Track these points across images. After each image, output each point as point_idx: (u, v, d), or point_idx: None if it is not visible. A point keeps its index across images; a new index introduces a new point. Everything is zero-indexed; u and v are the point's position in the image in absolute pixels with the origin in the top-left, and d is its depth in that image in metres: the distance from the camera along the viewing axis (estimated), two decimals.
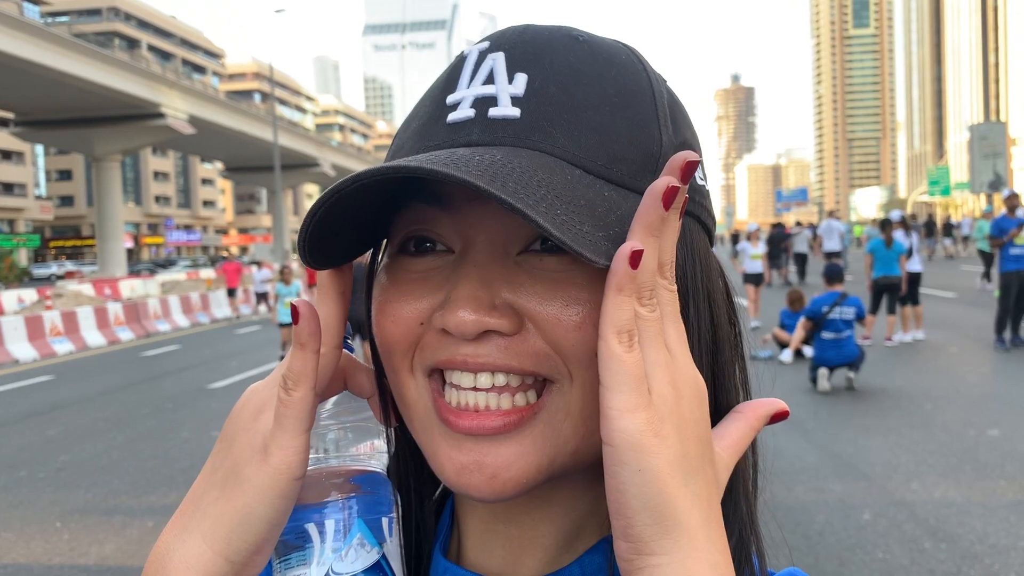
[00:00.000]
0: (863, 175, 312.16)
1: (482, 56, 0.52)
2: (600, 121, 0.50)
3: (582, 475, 0.54)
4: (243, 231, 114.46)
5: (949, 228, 29.88)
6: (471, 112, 0.51)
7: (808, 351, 9.36)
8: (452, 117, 0.51)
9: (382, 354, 0.55)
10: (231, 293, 22.88)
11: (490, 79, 0.51)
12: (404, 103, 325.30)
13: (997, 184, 51.27)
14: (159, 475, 6.81)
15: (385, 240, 0.57)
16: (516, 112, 0.50)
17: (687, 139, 0.54)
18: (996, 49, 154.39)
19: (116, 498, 6.22)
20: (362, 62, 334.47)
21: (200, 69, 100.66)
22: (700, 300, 0.53)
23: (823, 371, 8.58)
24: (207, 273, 26.03)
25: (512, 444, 0.50)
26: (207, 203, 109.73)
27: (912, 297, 11.74)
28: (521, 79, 0.50)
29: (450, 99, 0.52)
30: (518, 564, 0.57)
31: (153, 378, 12.59)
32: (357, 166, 79.67)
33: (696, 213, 0.55)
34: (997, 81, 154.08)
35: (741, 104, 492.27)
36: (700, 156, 0.53)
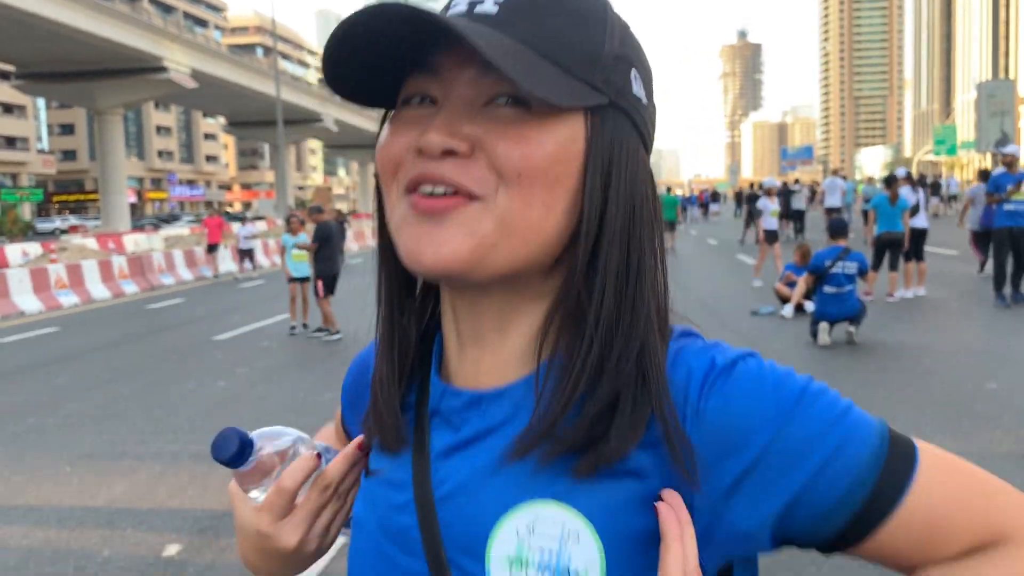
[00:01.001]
0: (869, 134, 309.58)
1: None
2: (557, 24, 0.65)
3: (528, 307, 0.70)
4: (246, 186, 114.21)
5: (937, 187, 29.79)
6: (464, 8, 0.67)
7: (809, 306, 9.41)
8: (451, 12, 0.67)
9: (381, 179, 0.70)
10: (212, 249, 21.65)
11: None
12: None
13: (1004, 142, 50.77)
14: (166, 423, 6.90)
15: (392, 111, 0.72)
16: (495, 9, 0.65)
17: (628, 54, 0.68)
18: (1007, 6, 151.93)
19: (124, 444, 6.32)
20: None
21: (202, 22, 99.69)
22: (622, 184, 0.66)
23: (824, 325, 8.63)
24: (224, 230, 26.03)
25: (450, 224, 0.63)
26: (210, 158, 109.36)
27: (916, 253, 11.74)
28: None
29: (452, 3, 0.69)
30: (480, 374, 0.72)
31: (158, 330, 12.69)
32: (360, 121, 79.19)
33: (627, 111, 0.68)
34: (1007, 38, 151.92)
35: (747, 61, 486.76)
36: (638, 63, 0.69)
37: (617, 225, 0.66)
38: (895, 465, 0.64)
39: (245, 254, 21.55)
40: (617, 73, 0.67)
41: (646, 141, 0.70)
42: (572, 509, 0.64)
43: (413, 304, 0.76)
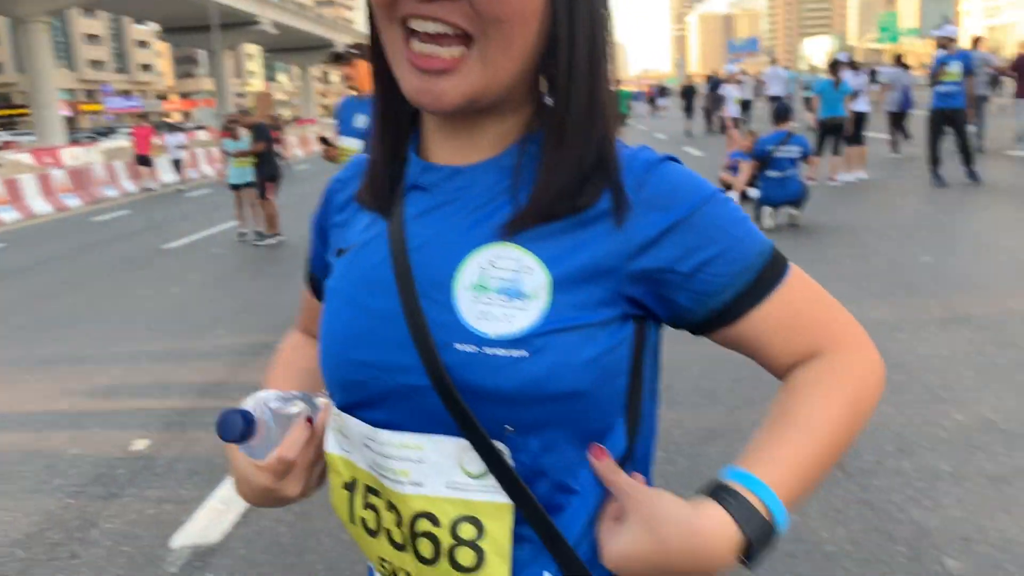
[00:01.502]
0: (814, 23, 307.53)
1: None
2: None
3: (503, 107, 0.82)
4: (184, 96, 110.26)
5: (874, 74, 29.96)
6: None
7: (753, 193, 9.60)
8: None
9: (376, 13, 0.79)
10: (143, 161, 20.51)
11: None
12: None
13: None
14: (122, 330, 6.92)
15: None
16: None
17: None
18: None
19: (82, 350, 6.35)
20: None
21: None
22: (582, 4, 0.78)
23: (767, 209, 8.84)
24: (152, 140, 25.08)
25: (447, 79, 0.76)
26: (144, 67, 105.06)
27: (856, 137, 11.96)
28: None
29: None
30: (455, 156, 0.85)
31: (105, 241, 12.50)
32: (301, 23, 76.32)
33: None
34: None
35: None
36: None
37: (583, 40, 0.78)
38: (773, 268, 0.81)
39: (176, 164, 21.07)
40: None
41: None
42: (527, 250, 0.78)
43: (399, 103, 0.86)
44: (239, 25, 65.90)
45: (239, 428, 0.83)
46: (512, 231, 0.79)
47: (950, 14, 54.82)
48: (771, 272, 0.81)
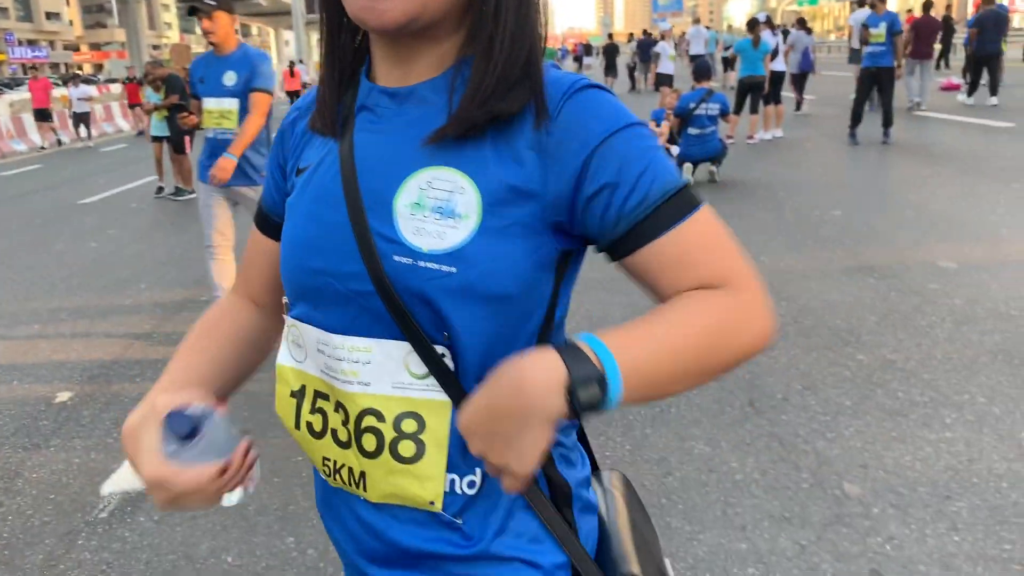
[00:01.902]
0: None
1: None
2: None
3: (440, 31, 0.87)
4: (95, 47, 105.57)
5: (787, 34, 30.79)
6: None
7: (674, 150, 9.80)
8: None
9: None
10: (42, 116, 19.27)
11: None
12: None
13: None
14: (39, 284, 6.75)
15: None
16: None
17: None
18: None
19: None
20: None
21: None
22: None
23: (687, 166, 9.05)
24: (60, 91, 23.98)
25: (388, 1, 0.81)
26: (50, 15, 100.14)
27: (775, 96, 12.26)
28: None
29: None
30: (400, 80, 0.91)
31: (18, 196, 12.05)
32: None
33: None
34: None
35: None
36: None
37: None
38: (683, 202, 0.84)
39: (80, 118, 19.59)
40: None
41: None
42: (461, 172, 0.84)
43: (346, 27, 0.94)
44: None
45: (188, 426, 0.84)
46: (437, 138, 0.85)
47: None
48: (671, 210, 0.83)
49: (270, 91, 4.69)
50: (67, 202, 11.11)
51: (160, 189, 11.05)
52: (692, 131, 9.05)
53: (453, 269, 0.81)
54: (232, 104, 4.70)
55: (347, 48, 0.95)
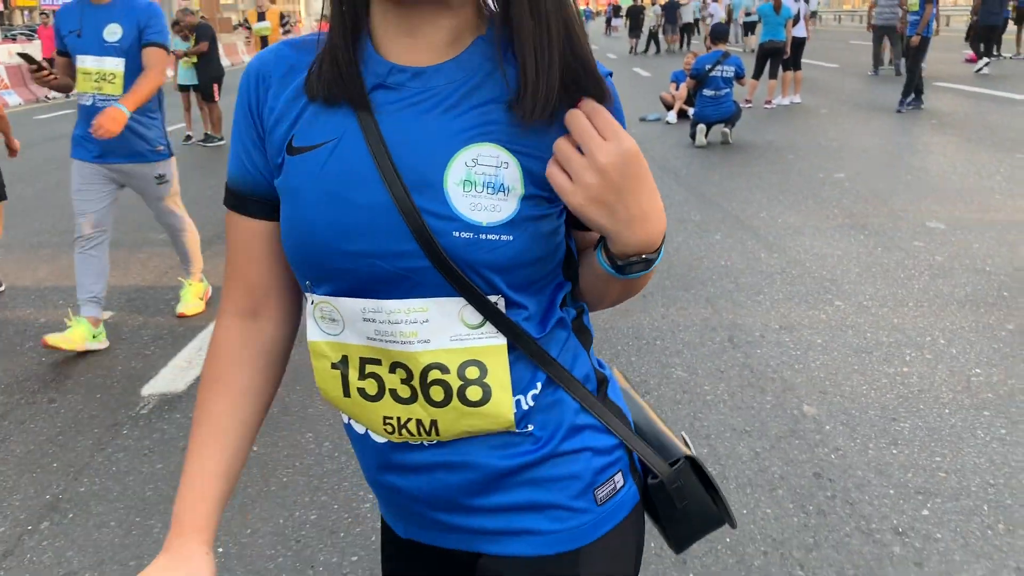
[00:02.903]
0: None
1: None
2: None
3: (453, 5, 0.89)
4: None
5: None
6: None
7: (690, 111, 10.03)
8: None
9: None
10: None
11: None
12: None
13: None
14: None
15: None
16: None
17: None
18: None
19: (37, 238, 6.61)
20: None
21: None
22: None
23: (701, 127, 9.30)
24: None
25: None
26: None
27: (795, 62, 12.40)
28: None
29: None
30: (418, 57, 0.91)
31: (51, 139, 12.48)
32: None
33: None
34: None
35: None
36: None
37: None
38: None
39: None
40: None
41: None
42: (503, 147, 0.88)
43: None
44: None
45: None
46: (502, 137, 0.88)
47: None
48: None
49: (168, 47, 4.08)
50: None
51: (188, 137, 11.41)
52: (707, 92, 9.28)
53: (511, 237, 0.87)
54: (117, 64, 3.94)
55: (359, 13, 0.92)
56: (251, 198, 0.98)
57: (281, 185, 0.93)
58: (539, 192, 0.89)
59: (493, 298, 0.90)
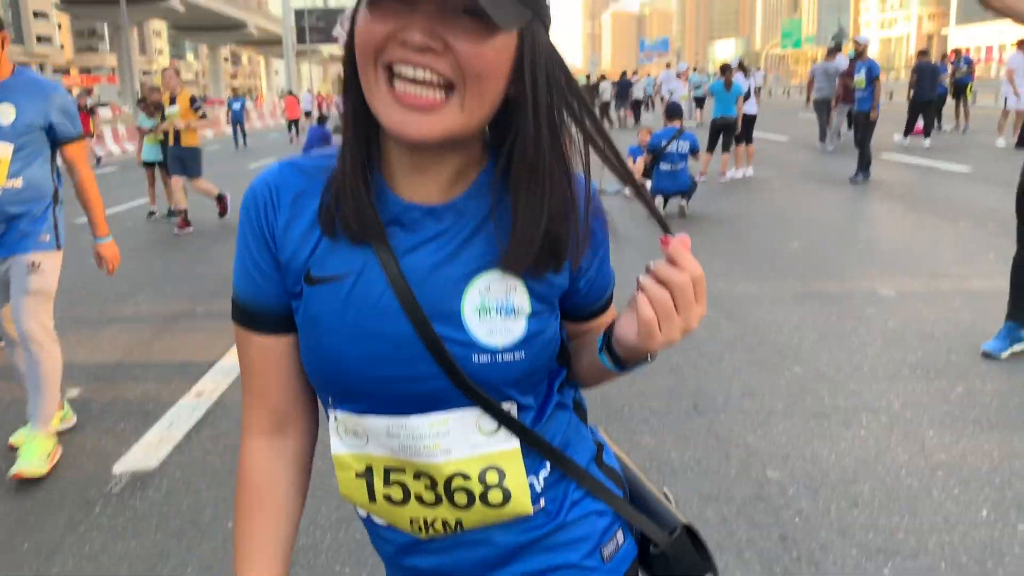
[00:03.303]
0: (723, 27, 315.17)
1: None
2: None
3: (464, 142, 0.93)
4: (85, 71, 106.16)
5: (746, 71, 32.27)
6: None
7: (647, 184, 10.34)
8: None
9: (358, 57, 0.88)
10: None
11: None
12: None
13: (840, 37, 54.13)
14: None
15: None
16: None
17: None
18: None
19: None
20: None
21: None
22: (540, 67, 0.90)
23: (659, 199, 9.59)
24: None
25: (429, 115, 0.86)
26: (41, 39, 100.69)
27: (747, 136, 12.89)
28: None
29: None
30: (427, 194, 0.96)
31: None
32: (211, 3, 74.63)
33: (541, 17, 0.90)
34: None
35: None
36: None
37: (541, 93, 0.90)
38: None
39: None
40: None
41: (548, 29, 0.93)
42: (511, 274, 0.96)
43: (368, 136, 0.96)
44: (146, 0, 64.03)
45: None
46: (512, 264, 0.94)
47: (847, 25, 57.85)
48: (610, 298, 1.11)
49: (83, 137, 3.79)
50: (67, 220, 11.47)
51: (152, 213, 11.45)
52: (664, 166, 9.60)
53: (523, 354, 0.96)
54: (5, 151, 3.42)
55: (371, 152, 0.97)
56: (262, 315, 1.01)
57: (302, 313, 0.97)
58: (542, 307, 0.98)
59: (506, 405, 0.98)
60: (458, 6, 0.83)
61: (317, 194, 0.97)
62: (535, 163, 0.91)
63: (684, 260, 0.87)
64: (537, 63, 0.89)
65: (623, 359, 0.96)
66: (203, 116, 10.15)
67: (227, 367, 5.01)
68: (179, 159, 10.18)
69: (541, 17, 0.90)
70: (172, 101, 10.07)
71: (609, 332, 0.97)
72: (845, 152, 13.46)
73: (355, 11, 0.90)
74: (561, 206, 0.94)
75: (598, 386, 1.12)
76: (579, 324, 1.09)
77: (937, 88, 16.47)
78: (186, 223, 10.27)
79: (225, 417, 4.29)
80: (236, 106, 26.56)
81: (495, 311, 0.94)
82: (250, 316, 1.01)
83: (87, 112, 18.46)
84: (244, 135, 26.32)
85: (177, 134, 10.03)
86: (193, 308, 6.45)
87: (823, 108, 16.26)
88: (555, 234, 0.93)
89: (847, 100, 15.24)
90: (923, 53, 16.48)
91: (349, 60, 0.92)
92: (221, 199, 10.83)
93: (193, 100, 10.14)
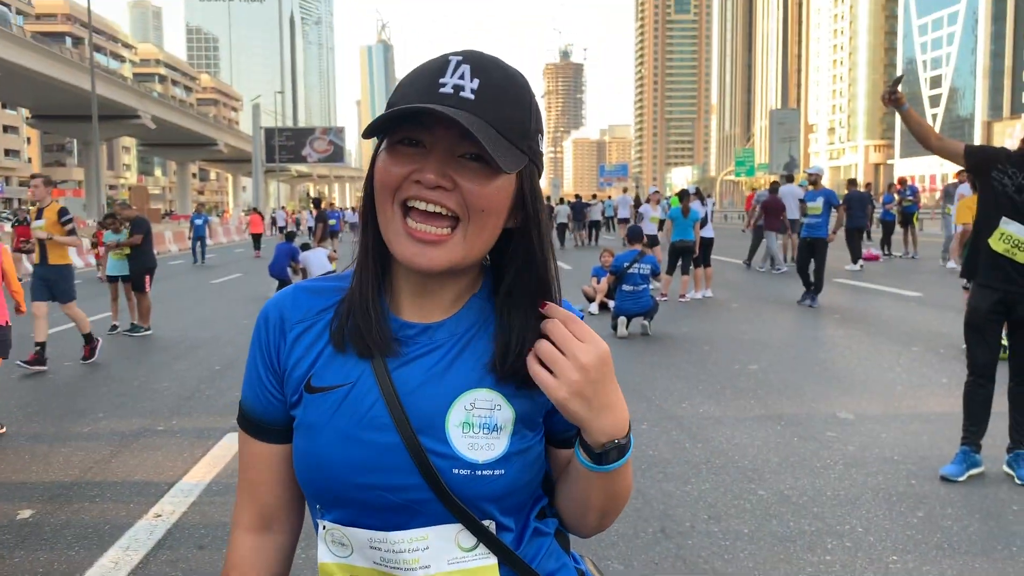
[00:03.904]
0: (679, 154, 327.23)
1: (458, 64, 0.98)
2: (507, 110, 0.98)
3: (461, 272, 1.05)
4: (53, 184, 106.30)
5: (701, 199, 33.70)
6: (451, 90, 0.96)
7: (611, 304, 10.54)
8: (442, 90, 0.96)
9: (377, 193, 1.00)
10: None
11: (462, 76, 0.97)
12: (232, 57, 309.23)
13: (791, 166, 56.58)
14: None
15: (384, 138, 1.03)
16: (472, 96, 0.96)
17: (540, 127, 1.04)
18: (798, 41, 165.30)
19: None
20: (185, 11, 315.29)
21: (2, 5, 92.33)
22: (536, 210, 1.04)
23: (622, 319, 9.77)
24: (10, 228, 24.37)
25: (437, 248, 0.98)
26: (10, 152, 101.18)
27: (705, 260, 13.26)
28: (477, 81, 0.97)
29: (441, 80, 0.97)
30: (424, 314, 1.07)
31: None
32: (180, 119, 75.99)
33: (536, 162, 1.03)
34: (799, 71, 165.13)
35: (570, 80, 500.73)
36: (543, 132, 1.05)
37: (533, 227, 1.04)
38: None
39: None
40: (535, 141, 1.02)
41: (541, 172, 1.07)
42: (496, 392, 1.03)
43: (383, 258, 1.06)
44: (118, 117, 65.03)
45: None
46: (493, 382, 1.03)
47: (797, 154, 60.51)
48: None
49: None
50: (25, 334, 11.32)
51: (114, 327, 11.36)
52: (626, 287, 9.81)
53: (502, 471, 1.00)
54: None
55: (383, 273, 1.08)
56: (265, 425, 1.10)
57: (299, 419, 1.05)
58: (525, 426, 1.04)
59: (486, 522, 1.02)
60: (465, 152, 0.96)
61: (329, 311, 1.08)
62: (541, 284, 1.04)
63: (554, 311, 1.00)
64: (537, 199, 1.04)
65: (594, 448, 1.00)
66: (71, 232, 8.92)
67: (187, 488, 4.91)
68: (44, 280, 8.83)
69: (535, 161, 1.03)
70: (39, 215, 8.91)
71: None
72: (792, 275, 13.87)
73: (375, 154, 1.03)
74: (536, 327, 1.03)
75: (594, 518, 1.12)
76: (568, 449, 1.12)
77: (864, 217, 17.71)
78: (37, 358, 8.73)
79: (185, 540, 4.18)
80: (199, 222, 26.40)
81: (478, 427, 1.00)
82: (254, 425, 1.11)
83: (25, 225, 17.90)
84: (204, 251, 26.02)
85: (44, 252, 8.85)
86: (153, 425, 6.34)
87: (761, 234, 17.62)
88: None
89: (772, 227, 16.41)
90: (852, 183, 17.76)
91: (367, 197, 1.04)
92: (90, 340, 9.19)
93: (62, 213, 8.89)
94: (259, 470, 1.11)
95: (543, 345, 0.98)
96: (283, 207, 37.88)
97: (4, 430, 6.33)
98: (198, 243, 25.82)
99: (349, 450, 1.00)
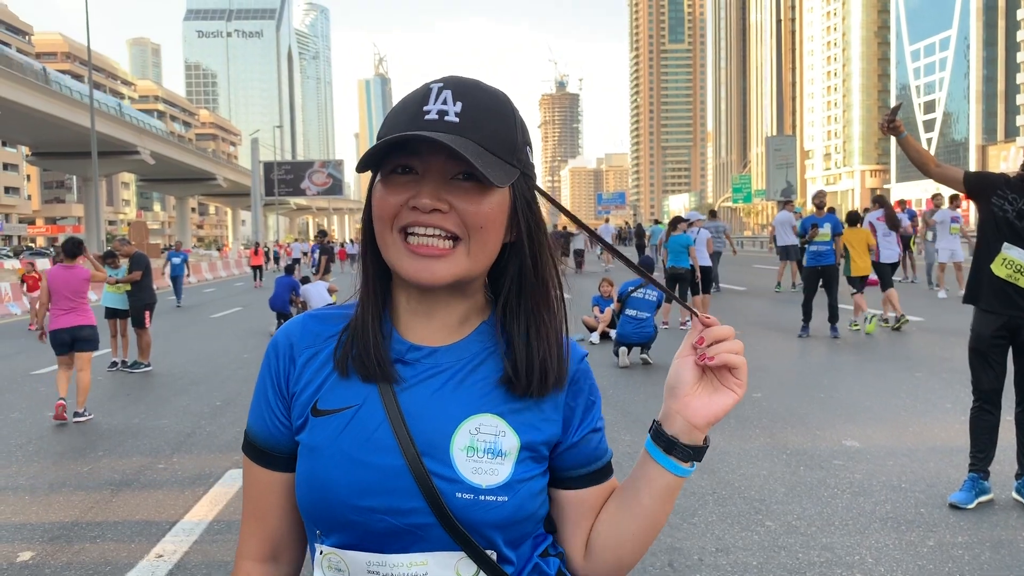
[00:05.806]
0: (676, 181, 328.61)
1: (440, 90, 1.00)
2: (492, 127, 1.00)
3: (469, 290, 1.07)
4: (51, 221, 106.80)
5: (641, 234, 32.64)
6: (436, 115, 0.99)
7: (612, 333, 10.52)
8: (427, 117, 0.99)
9: (376, 223, 1.03)
10: None
11: (445, 102, 0.99)
12: (231, 92, 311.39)
13: (788, 192, 56.82)
14: None
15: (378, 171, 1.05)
16: (456, 119, 0.98)
17: (527, 138, 1.06)
18: (792, 68, 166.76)
19: None
20: (184, 47, 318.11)
21: (2, 44, 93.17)
22: (530, 222, 1.07)
23: (623, 349, 9.74)
24: (12, 264, 24.33)
25: (441, 262, 1.00)
26: (10, 190, 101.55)
27: (704, 287, 13.24)
28: (460, 104, 0.99)
29: (425, 108, 1.00)
30: (432, 337, 1.08)
31: None
32: (179, 154, 76.35)
33: (527, 174, 1.06)
34: (793, 98, 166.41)
35: (566, 110, 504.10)
36: (531, 144, 1.07)
37: (530, 240, 1.06)
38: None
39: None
40: (524, 153, 1.04)
41: (534, 180, 1.09)
42: (502, 419, 1.04)
43: (385, 285, 1.09)
44: (117, 153, 65.32)
45: None
46: (499, 409, 1.04)
47: (794, 180, 60.80)
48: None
49: None
50: (20, 372, 11.29)
51: (114, 363, 11.32)
52: (629, 312, 9.79)
53: (505, 498, 1.01)
54: None
55: (382, 304, 1.09)
56: (270, 453, 1.10)
57: (304, 442, 1.05)
58: (530, 455, 1.05)
59: (488, 552, 1.02)
60: (458, 173, 0.99)
61: (335, 336, 1.09)
62: (534, 289, 1.07)
63: (709, 320, 1.07)
64: (531, 208, 1.06)
65: (697, 443, 1.07)
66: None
67: (189, 527, 4.86)
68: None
69: (526, 172, 1.06)
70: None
71: (659, 425, 1.08)
72: (793, 301, 13.85)
73: (371, 186, 1.05)
74: (553, 334, 1.07)
75: (630, 553, 1.11)
76: (578, 490, 1.12)
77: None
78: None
79: None
80: (176, 260, 22.77)
81: (483, 452, 1.01)
82: (260, 452, 1.11)
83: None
84: (180, 292, 22.57)
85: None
86: (154, 463, 6.29)
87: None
88: (544, 357, 1.06)
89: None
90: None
91: (367, 227, 1.06)
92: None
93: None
94: (264, 497, 1.11)
95: (736, 359, 1.05)
96: (276, 242, 37.62)
97: (92, 416, 7.22)
98: (176, 283, 22.63)
99: (353, 472, 1.00)
